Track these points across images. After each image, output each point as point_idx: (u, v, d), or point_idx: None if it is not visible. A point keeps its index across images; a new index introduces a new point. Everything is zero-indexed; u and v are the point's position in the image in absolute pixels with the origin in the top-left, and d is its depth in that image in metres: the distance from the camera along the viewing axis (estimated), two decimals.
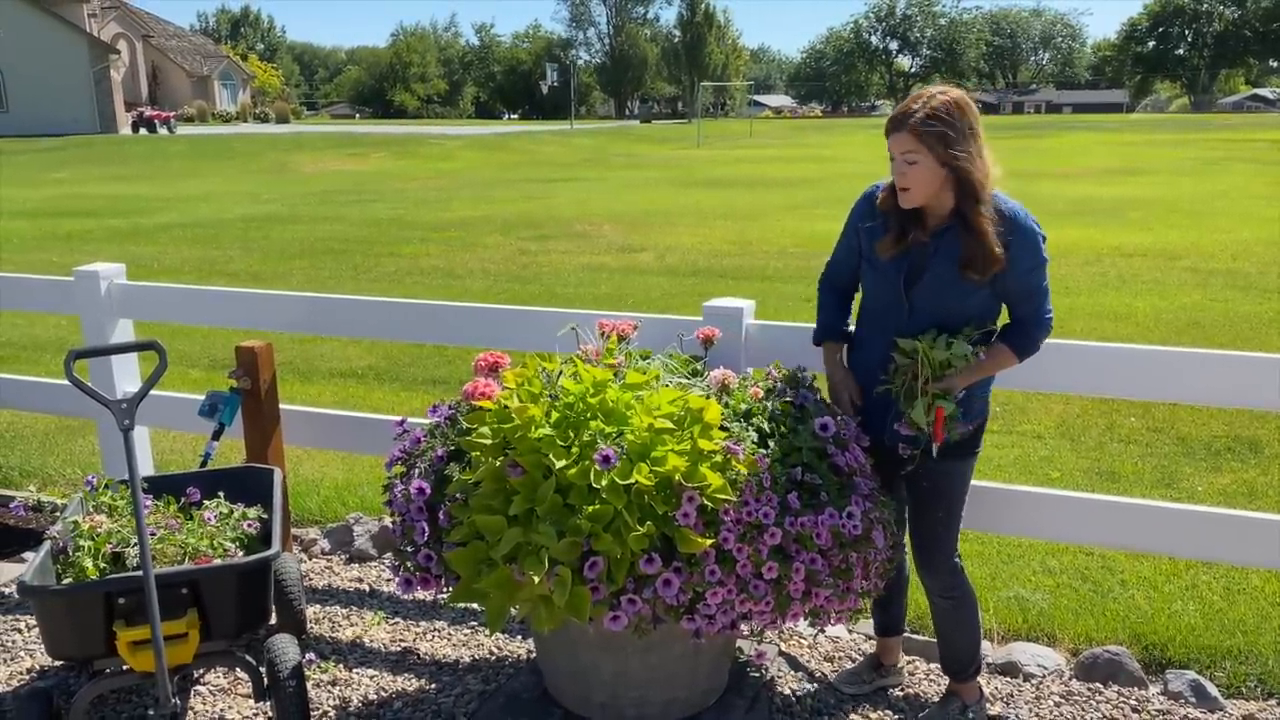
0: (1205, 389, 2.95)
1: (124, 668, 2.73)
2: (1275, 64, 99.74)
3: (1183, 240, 12.37)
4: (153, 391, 3.21)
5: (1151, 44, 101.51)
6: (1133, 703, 3.05)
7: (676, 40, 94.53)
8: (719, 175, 23.88)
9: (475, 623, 3.56)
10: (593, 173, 25.32)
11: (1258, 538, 2.92)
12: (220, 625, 2.75)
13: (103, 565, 2.73)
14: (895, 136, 2.50)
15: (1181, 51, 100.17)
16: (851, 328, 2.89)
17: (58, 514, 2.97)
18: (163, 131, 39.94)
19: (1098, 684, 3.15)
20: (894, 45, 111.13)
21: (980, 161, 2.48)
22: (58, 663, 3.20)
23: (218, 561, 2.79)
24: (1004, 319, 2.72)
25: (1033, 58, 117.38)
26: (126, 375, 4.16)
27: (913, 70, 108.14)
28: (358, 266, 11.36)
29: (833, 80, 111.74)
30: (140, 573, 2.56)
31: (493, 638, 3.45)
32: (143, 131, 39.78)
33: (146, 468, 4.23)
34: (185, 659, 2.70)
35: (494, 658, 3.33)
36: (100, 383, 4.05)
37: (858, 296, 2.87)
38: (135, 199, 18.73)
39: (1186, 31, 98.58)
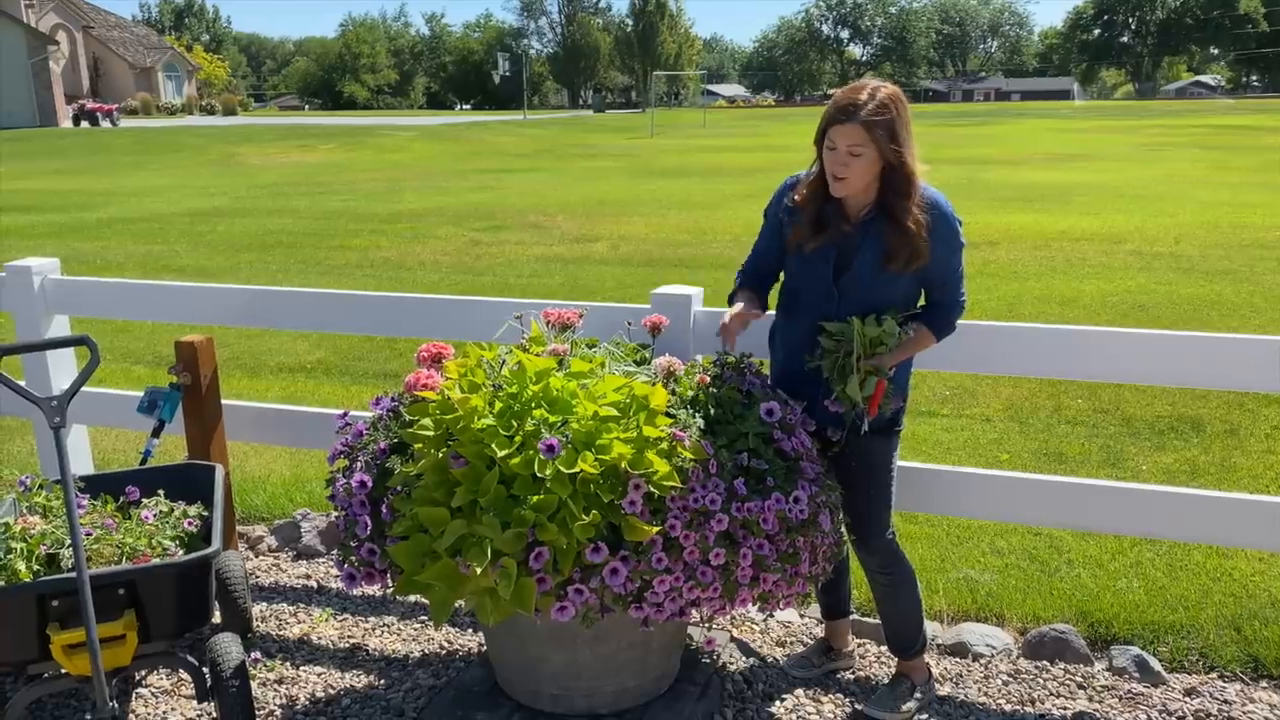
0: (1150, 369, 3.00)
1: (60, 672, 2.66)
2: (1216, 51, 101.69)
3: (1127, 225, 12.57)
4: (93, 389, 3.14)
5: (1097, 31, 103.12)
6: (1079, 679, 3.09)
7: (629, 29, 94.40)
8: (673, 165, 23.84)
9: (425, 617, 3.52)
10: (546, 163, 25.17)
11: (1199, 515, 2.96)
12: (159, 626, 2.69)
13: (36, 567, 2.66)
14: (843, 128, 2.47)
15: (1126, 39, 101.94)
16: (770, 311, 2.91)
17: None
18: (105, 124, 39.08)
19: (1045, 662, 3.19)
20: (845, 34, 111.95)
21: (912, 157, 2.52)
22: None
23: (155, 561, 2.73)
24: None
25: (981, 46, 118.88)
26: (64, 374, 4.04)
27: (864, 59, 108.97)
28: (307, 260, 11.19)
29: (785, 69, 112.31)
30: (74, 574, 2.49)
31: (442, 631, 3.42)
32: (84, 124, 38.87)
33: (86, 467, 4.13)
34: (123, 661, 2.64)
35: (444, 652, 3.30)
36: (37, 382, 3.94)
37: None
38: (77, 193, 18.28)
39: (1130, 19, 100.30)
